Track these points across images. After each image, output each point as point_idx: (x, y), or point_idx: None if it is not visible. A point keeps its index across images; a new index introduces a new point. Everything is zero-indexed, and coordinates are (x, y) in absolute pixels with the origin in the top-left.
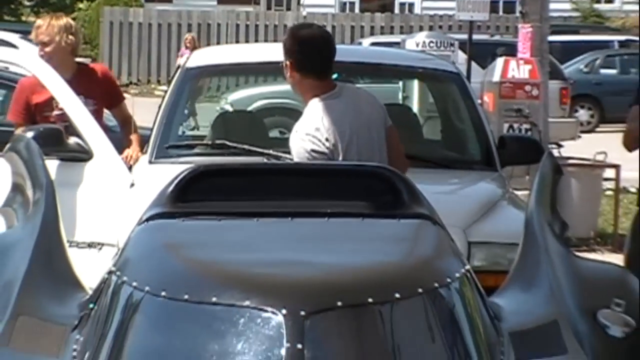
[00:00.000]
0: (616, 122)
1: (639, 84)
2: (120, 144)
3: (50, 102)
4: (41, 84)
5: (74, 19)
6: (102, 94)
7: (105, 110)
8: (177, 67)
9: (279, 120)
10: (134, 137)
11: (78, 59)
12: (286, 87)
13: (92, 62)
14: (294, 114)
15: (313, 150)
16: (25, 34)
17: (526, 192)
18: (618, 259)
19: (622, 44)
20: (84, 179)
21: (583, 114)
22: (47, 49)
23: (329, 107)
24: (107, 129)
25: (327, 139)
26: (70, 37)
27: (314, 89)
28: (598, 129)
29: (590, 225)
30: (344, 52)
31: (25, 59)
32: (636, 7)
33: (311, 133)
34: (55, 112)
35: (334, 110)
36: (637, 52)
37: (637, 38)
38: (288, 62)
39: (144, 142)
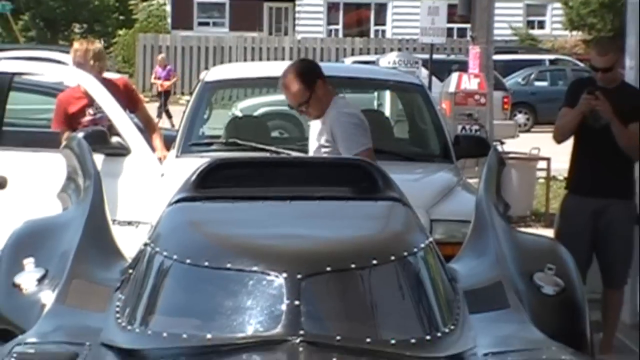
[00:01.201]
0: (547, 124)
1: (566, 92)
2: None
3: (83, 110)
4: (75, 97)
5: (114, 43)
6: (124, 100)
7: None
8: (151, 84)
9: (278, 123)
10: (158, 140)
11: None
12: (281, 98)
13: (129, 77)
14: (290, 118)
15: (356, 125)
16: None
17: (476, 180)
18: (549, 232)
19: (552, 61)
20: (124, 170)
21: (521, 118)
22: (82, 70)
23: (349, 103)
24: (141, 130)
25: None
26: (100, 60)
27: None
28: (533, 130)
29: (527, 206)
30: (333, 68)
31: (76, 74)
32: (562, 32)
33: (356, 113)
34: (87, 118)
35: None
36: (564, 68)
37: (564, 57)
38: (322, 81)
39: (168, 142)
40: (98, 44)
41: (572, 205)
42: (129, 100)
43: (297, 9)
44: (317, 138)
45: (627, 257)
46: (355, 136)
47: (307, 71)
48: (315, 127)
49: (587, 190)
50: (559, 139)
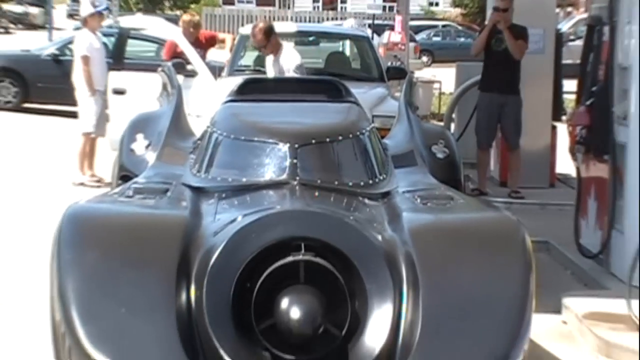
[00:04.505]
0: (440, 62)
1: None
2: (215, 71)
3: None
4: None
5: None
6: (206, 46)
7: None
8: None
9: None
10: (228, 47)
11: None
12: (288, 43)
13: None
14: None
15: (297, 66)
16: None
17: (399, 93)
18: (440, 123)
19: (443, 26)
20: (194, 85)
21: (424, 59)
22: (191, 30)
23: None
24: (206, 63)
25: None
26: (195, 26)
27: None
28: (432, 66)
29: (428, 109)
30: (319, 27)
31: (167, 29)
32: (449, 9)
33: (296, 61)
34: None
35: None
36: (450, 30)
37: (450, 23)
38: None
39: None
40: (194, 16)
41: (485, 100)
42: (209, 44)
43: None
44: (272, 68)
45: (517, 130)
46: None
47: (268, 29)
48: (269, 60)
49: (494, 89)
50: (475, 51)
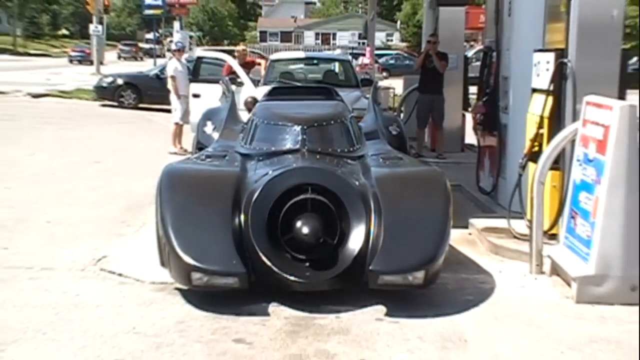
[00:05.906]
0: (395, 76)
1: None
2: (255, 83)
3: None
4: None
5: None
6: (249, 67)
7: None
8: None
9: (297, 75)
10: (262, 68)
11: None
12: (299, 65)
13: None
14: (302, 73)
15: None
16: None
17: (369, 95)
18: (394, 113)
19: (395, 54)
20: (242, 91)
21: (384, 74)
22: (239, 58)
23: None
24: (250, 78)
25: None
26: (245, 54)
27: None
28: (390, 78)
29: (386, 104)
30: (320, 54)
31: (226, 57)
32: (400, 43)
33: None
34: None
35: None
36: (399, 57)
37: (400, 52)
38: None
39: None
40: (244, 47)
41: (422, 98)
42: (251, 66)
43: (305, 34)
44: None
45: (442, 117)
46: None
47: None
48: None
49: (427, 91)
50: (416, 68)
